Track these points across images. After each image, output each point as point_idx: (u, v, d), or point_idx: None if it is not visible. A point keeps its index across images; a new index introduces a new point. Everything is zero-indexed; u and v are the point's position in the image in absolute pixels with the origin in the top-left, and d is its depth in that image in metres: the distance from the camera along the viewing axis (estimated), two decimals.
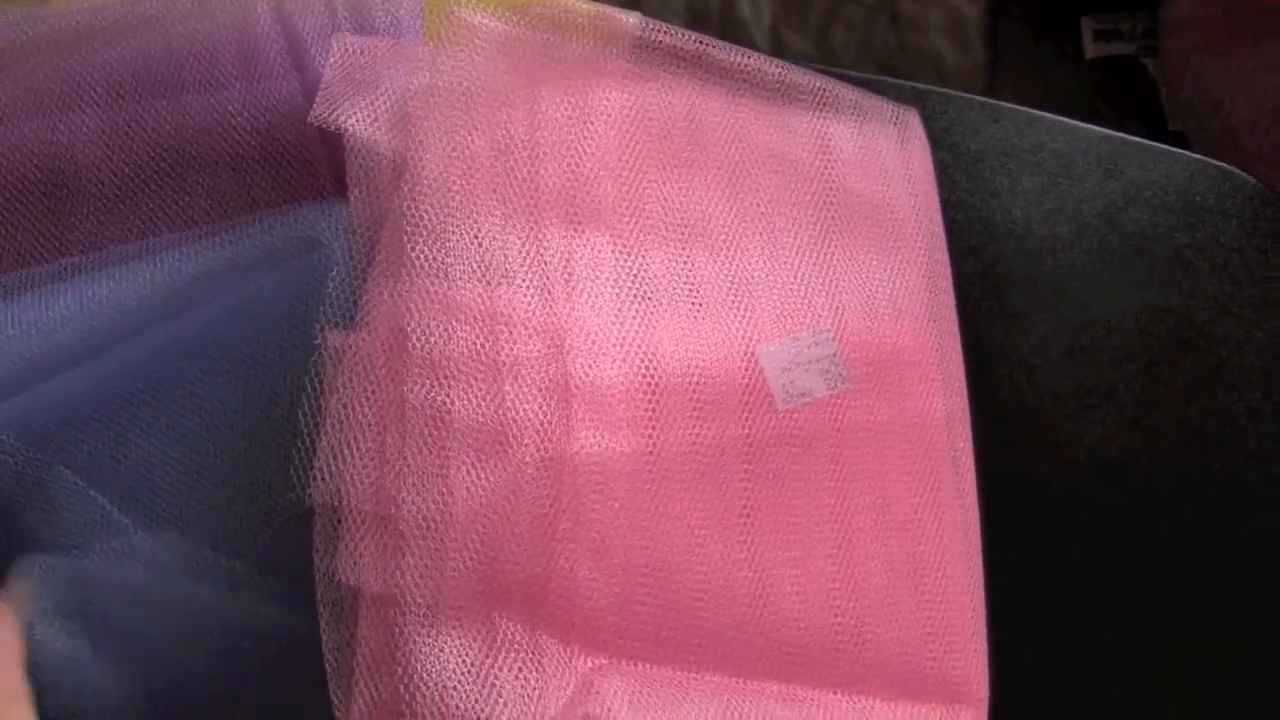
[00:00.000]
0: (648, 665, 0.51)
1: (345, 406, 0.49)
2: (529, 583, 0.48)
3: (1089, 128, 0.79)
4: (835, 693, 0.56)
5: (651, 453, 0.53)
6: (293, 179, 0.58)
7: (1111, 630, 0.68)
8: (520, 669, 0.47)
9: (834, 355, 0.59)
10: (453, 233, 0.51)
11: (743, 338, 0.57)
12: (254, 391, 0.51)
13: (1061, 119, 0.80)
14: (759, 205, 0.62)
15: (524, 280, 0.52)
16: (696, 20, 1.26)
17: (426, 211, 0.50)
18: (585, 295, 0.54)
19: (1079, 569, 0.69)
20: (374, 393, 0.49)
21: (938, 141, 0.77)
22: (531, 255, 0.53)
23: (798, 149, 0.64)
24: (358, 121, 0.52)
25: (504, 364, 0.50)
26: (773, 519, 0.56)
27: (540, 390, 0.50)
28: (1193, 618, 0.69)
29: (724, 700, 0.52)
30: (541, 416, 0.50)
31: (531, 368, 0.50)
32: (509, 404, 0.49)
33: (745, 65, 0.64)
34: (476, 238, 0.51)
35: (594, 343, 0.53)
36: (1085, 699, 0.65)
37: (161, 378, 0.50)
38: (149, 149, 0.58)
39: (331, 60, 0.55)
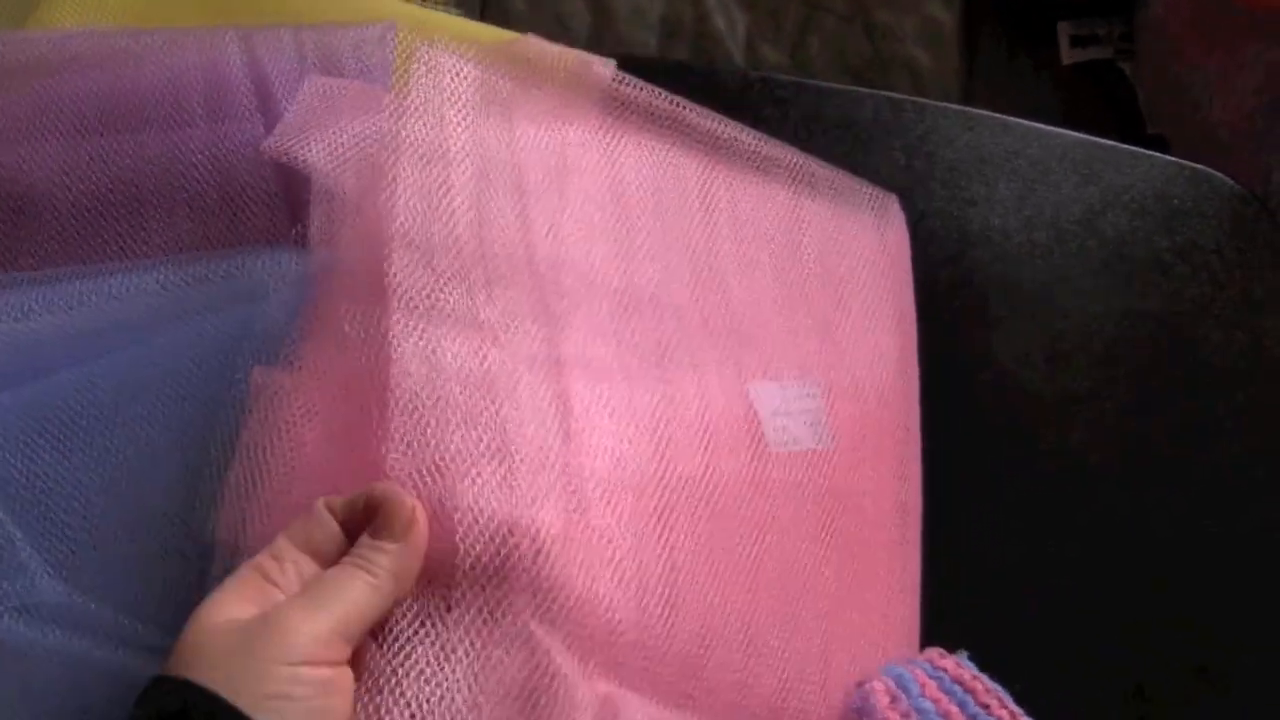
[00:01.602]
0: (652, 701, 0.49)
1: (256, 442, 0.48)
2: (545, 587, 0.46)
3: (1065, 133, 0.79)
4: None
5: (660, 476, 0.52)
6: (249, 222, 0.57)
7: (1109, 629, 0.67)
8: (540, 682, 0.44)
9: (820, 410, 0.59)
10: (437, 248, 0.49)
11: (739, 383, 0.57)
12: (178, 432, 0.50)
13: (1037, 125, 0.79)
14: (729, 275, 0.61)
15: (517, 292, 0.51)
16: (671, 34, 1.26)
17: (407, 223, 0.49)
18: (581, 320, 0.53)
19: (1075, 568, 0.68)
20: (291, 426, 0.48)
21: (913, 150, 0.76)
22: (521, 302, 0.52)
23: (771, 225, 0.64)
24: (318, 155, 0.51)
25: (500, 383, 0.48)
26: (776, 569, 0.55)
27: (541, 416, 0.49)
28: (1187, 613, 0.68)
29: None
30: (544, 440, 0.48)
31: (534, 393, 0.49)
32: (510, 426, 0.48)
33: (722, 133, 0.63)
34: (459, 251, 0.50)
35: (594, 367, 0.52)
36: (1082, 698, 0.65)
37: (89, 410, 0.50)
38: (109, 183, 0.57)
39: (299, 97, 0.55)
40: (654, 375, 0.55)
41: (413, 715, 0.41)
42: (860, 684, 0.53)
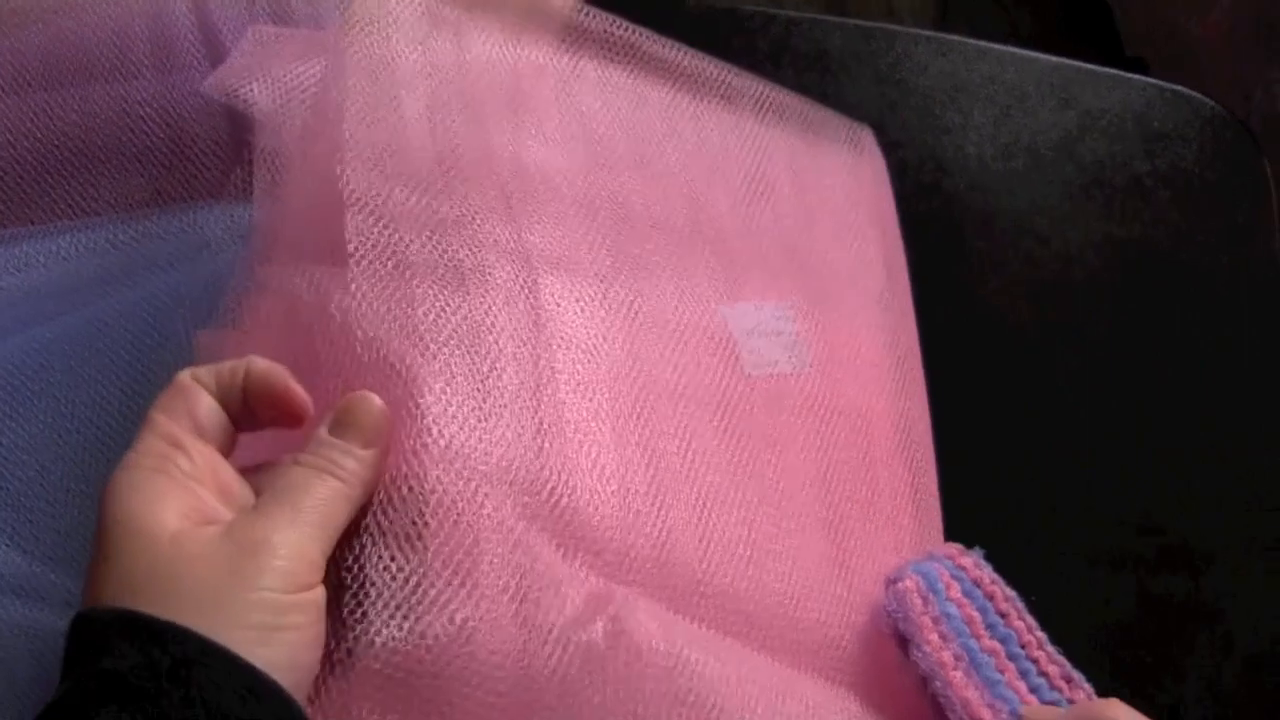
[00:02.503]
0: (648, 600, 0.46)
1: None
2: (520, 481, 0.43)
3: (1041, 57, 0.77)
4: (820, 680, 0.52)
5: (637, 374, 0.50)
6: (202, 174, 0.56)
7: (1100, 568, 0.67)
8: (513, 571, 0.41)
9: (795, 332, 0.57)
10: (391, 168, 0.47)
11: (715, 298, 0.55)
12: (134, 394, 0.48)
13: (1013, 49, 0.78)
14: (699, 197, 0.59)
15: (478, 189, 0.49)
16: None
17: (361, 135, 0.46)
18: (548, 218, 0.51)
19: (1063, 506, 0.68)
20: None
21: (885, 79, 0.75)
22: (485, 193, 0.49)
23: (739, 155, 0.62)
24: (261, 94, 0.49)
25: (467, 272, 0.46)
26: (769, 478, 0.53)
27: (511, 303, 0.47)
28: (1175, 546, 0.68)
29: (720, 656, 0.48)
30: (514, 330, 0.46)
31: (504, 284, 0.47)
32: (478, 315, 0.45)
33: (685, 64, 0.61)
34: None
35: (563, 262, 0.50)
36: (1073, 612, 0.65)
37: (42, 374, 0.48)
38: (55, 139, 0.56)
39: (241, 44, 0.53)
40: (627, 277, 0.52)
41: (400, 619, 0.38)
42: (893, 581, 0.52)
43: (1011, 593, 0.52)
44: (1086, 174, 0.75)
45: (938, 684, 0.48)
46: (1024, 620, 0.51)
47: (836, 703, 0.51)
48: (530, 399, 0.45)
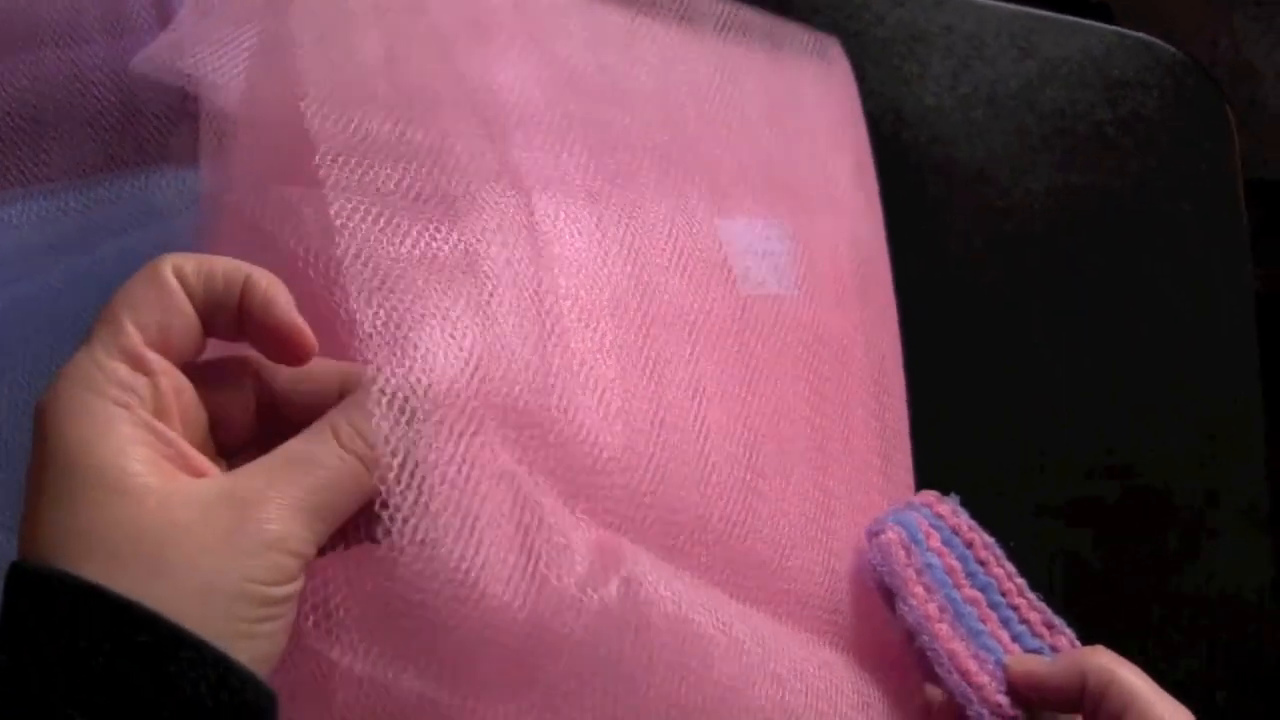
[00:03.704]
0: (650, 555, 0.45)
1: None
2: (523, 422, 0.41)
3: (1000, 5, 0.77)
4: (804, 634, 0.51)
5: (639, 300, 0.48)
6: (152, 139, 0.55)
7: (1068, 523, 0.68)
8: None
9: (786, 253, 0.56)
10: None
11: (707, 217, 0.54)
12: None
13: None
14: (676, 117, 0.58)
15: (452, 113, 0.46)
16: None
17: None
18: (530, 138, 0.48)
19: (1036, 449, 0.69)
20: None
21: (842, 30, 0.74)
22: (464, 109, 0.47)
23: (706, 77, 0.60)
24: (195, 67, 0.48)
25: (453, 195, 0.43)
26: (765, 413, 0.52)
27: (504, 228, 0.44)
28: (1142, 490, 0.69)
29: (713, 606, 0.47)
30: (510, 255, 0.43)
31: (495, 208, 0.44)
32: (473, 246, 0.42)
33: None
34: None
35: (553, 184, 0.48)
36: (1046, 560, 0.66)
37: None
38: (6, 105, 0.55)
39: (179, 15, 0.52)
40: (619, 198, 0.50)
41: (407, 566, 0.35)
42: (875, 534, 0.52)
43: (989, 539, 0.52)
44: (1047, 123, 0.75)
45: (924, 637, 0.48)
46: (1003, 567, 0.51)
47: (824, 658, 0.50)
48: (534, 328, 0.43)
